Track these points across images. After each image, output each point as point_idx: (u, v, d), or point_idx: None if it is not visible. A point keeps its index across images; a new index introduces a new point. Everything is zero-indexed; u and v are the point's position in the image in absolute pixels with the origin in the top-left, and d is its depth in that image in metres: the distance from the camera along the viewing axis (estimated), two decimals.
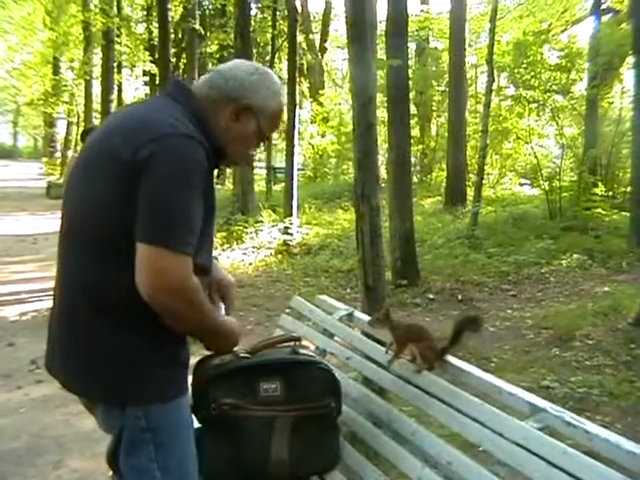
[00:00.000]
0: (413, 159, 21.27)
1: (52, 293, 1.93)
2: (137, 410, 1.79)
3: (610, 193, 12.55)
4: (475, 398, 2.01)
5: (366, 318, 2.86)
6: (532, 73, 13.14)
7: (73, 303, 1.80)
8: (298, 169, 22.68)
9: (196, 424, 2.12)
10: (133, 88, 30.61)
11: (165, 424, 1.83)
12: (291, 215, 11.92)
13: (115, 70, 22.26)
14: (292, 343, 2.33)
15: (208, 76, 1.96)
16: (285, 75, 14.96)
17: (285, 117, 11.78)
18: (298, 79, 23.88)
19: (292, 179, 11.97)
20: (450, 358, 2.30)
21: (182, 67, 25.33)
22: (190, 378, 2.11)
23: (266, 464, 2.13)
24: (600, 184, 12.34)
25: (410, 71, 22.26)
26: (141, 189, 1.66)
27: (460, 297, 7.76)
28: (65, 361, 1.84)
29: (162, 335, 1.80)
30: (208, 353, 2.13)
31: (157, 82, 17.94)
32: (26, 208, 17.92)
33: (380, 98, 16.74)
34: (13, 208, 17.83)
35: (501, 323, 6.66)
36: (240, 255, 11.06)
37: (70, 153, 25.27)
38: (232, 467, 2.14)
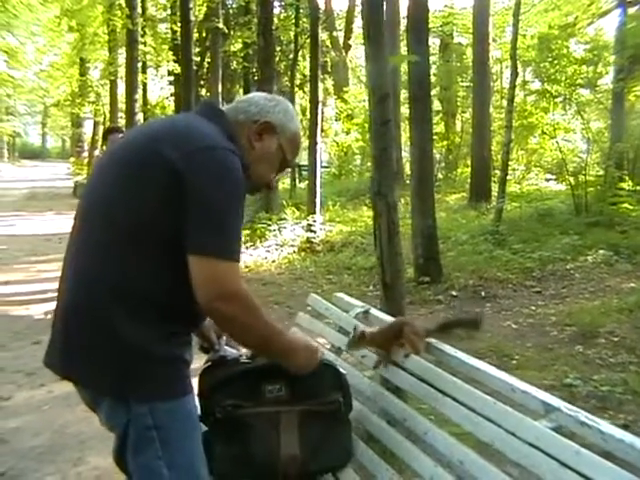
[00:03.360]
0: (438, 155, 21.25)
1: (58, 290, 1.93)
2: (143, 407, 1.79)
3: (637, 188, 12.33)
4: (488, 397, 1.98)
5: (383, 315, 2.85)
6: (557, 67, 12.99)
7: (91, 296, 1.79)
8: (323, 166, 22.78)
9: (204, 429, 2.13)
10: (158, 88, 30.79)
11: (171, 421, 1.84)
12: (314, 212, 11.91)
13: (140, 70, 22.42)
14: None
15: (234, 104, 2.08)
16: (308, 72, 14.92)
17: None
18: (322, 76, 23.96)
19: (315, 176, 11.96)
20: (465, 356, 2.25)
21: (206, 66, 25.47)
22: (196, 387, 2.12)
23: (277, 461, 2.12)
24: (627, 179, 12.14)
25: (434, 67, 22.31)
26: (191, 199, 1.72)
27: (483, 294, 7.68)
28: (73, 353, 1.83)
29: (173, 333, 1.83)
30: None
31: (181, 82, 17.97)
32: (53, 208, 18.14)
33: (404, 94, 16.74)
34: (40, 208, 18.07)
35: (524, 320, 6.58)
36: (263, 253, 11.09)
37: (97, 153, 25.49)
38: (242, 466, 2.14)
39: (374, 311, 2.89)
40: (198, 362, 2.17)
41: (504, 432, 1.84)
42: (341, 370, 2.27)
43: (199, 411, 2.09)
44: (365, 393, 2.48)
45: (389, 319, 2.73)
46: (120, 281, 1.78)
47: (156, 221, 1.75)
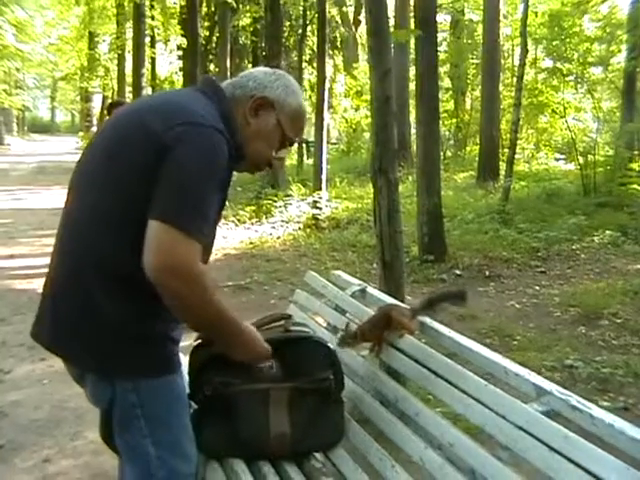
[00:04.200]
0: (447, 133, 21.13)
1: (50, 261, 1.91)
2: (127, 384, 1.79)
3: None
4: (479, 379, 1.95)
5: (379, 294, 2.82)
6: (569, 45, 12.85)
7: (79, 273, 1.77)
8: (332, 143, 22.70)
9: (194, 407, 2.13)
10: (167, 62, 30.61)
11: (156, 399, 1.83)
12: (320, 189, 11.85)
13: (148, 44, 22.30)
14: (282, 321, 2.30)
15: (233, 79, 2.03)
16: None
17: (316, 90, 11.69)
18: (332, 52, 23.77)
19: (321, 153, 11.89)
20: (459, 336, 2.22)
21: (215, 41, 25.29)
22: (186, 365, 2.11)
23: (267, 439, 2.12)
24: (637, 159, 12.03)
25: (444, 44, 22.11)
26: (165, 167, 1.67)
27: (488, 273, 7.63)
28: (61, 329, 1.82)
29: (159, 312, 1.79)
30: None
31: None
32: (61, 182, 18.08)
33: (413, 71, 16.60)
34: (48, 182, 18.06)
35: (528, 300, 6.54)
36: (268, 229, 11.06)
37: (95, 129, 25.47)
38: (231, 444, 2.13)
39: (371, 289, 2.87)
40: (190, 339, 2.15)
41: (495, 415, 1.82)
42: (332, 348, 2.25)
43: (188, 389, 2.08)
44: (359, 372, 2.46)
45: (386, 298, 2.71)
46: (104, 257, 1.75)
47: (140, 197, 1.69)
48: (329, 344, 2.26)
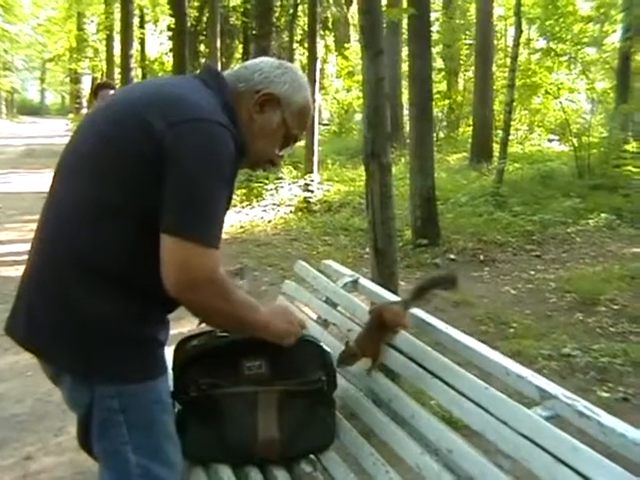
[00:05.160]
0: (440, 114, 20.97)
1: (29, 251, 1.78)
2: (108, 389, 1.67)
3: None
4: (479, 381, 1.83)
5: (372, 285, 2.69)
6: (563, 25, 12.69)
7: (58, 266, 1.66)
8: (324, 124, 22.54)
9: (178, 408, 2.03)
10: (157, 43, 30.31)
11: (139, 405, 1.71)
12: (312, 172, 11.71)
13: (137, 25, 22.01)
14: None
15: (235, 69, 1.90)
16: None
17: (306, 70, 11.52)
18: (323, 33, 23.54)
19: (313, 134, 11.72)
20: (457, 333, 2.10)
21: (205, 21, 24.98)
22: (170, 360, 2.01)
23: (254, 443, 2.01)
24: (631, 141, 11.92)
25: (437, 24, 21.88)
26: (169, 173, 1.56)
27: (482, 257, 7.53)
28: (37, 325, 1.70)
29: (146, 312, 1.70)
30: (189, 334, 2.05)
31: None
32: (50, 165, 17.72)
33: (406, 52, 16.42)
34: (37, 165, 17.82)
35: (523, 285, 6.44)
36: (260, 212, 10.95)
37: (84, 111, 25.20)
38: (217, 449, 2.03)
39: (363, 281, 2.73)
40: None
41: (495, 420, 1.70)
42: (325, 348, 2.13)
43: (172, 388, 1.96)
44: (351, 369, 2.33)
45: (378, 289, 2.59)
46: (88, 255, 1.64)
47: (133, 194, 1.60)
48: (321, 343, 2.14)
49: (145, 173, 1.58)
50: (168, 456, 1.79)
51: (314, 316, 2.76)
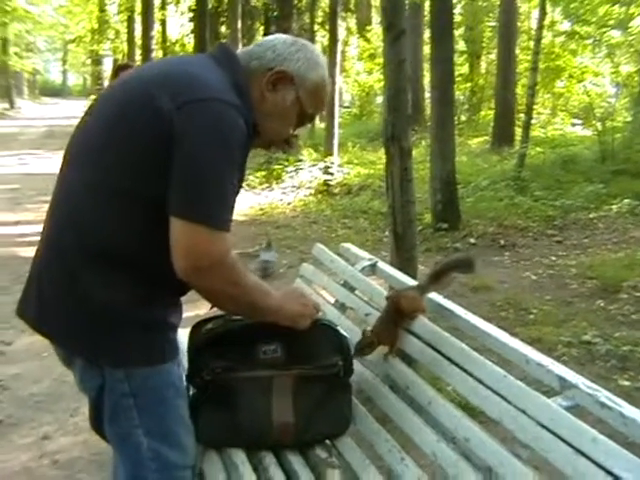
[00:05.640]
0: (462, 97, 20.77)
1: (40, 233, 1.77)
2: (118, 372, 1.66)
3: None
4: (498, 368, 1.79)
5: (390, 269, 2.66)
6: (588, 7, 12.47)
7: (66, 250, 1.64)
8: (345, 107, 22.42)
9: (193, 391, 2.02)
10: (179, 24, 30.21)
11: (149, 389, 1.70)
12: (332, 154, 11.65)
13: (158, 6, 21.94)
14: None
15: (249, 47, 1.82)
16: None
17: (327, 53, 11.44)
18: (345, 14, 23.34)
19: (333, 117, 11.65)
20: (477, 319, 2.06)
21: (226, 2, 24.86)
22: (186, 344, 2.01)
23: (269, 428, 1.99)
24: None
25: (459, 6, 21.62)
26: (179, 155, 1.53)
27: (502, 242, 7.44)
28: (47, 309, 1.69)
29: (155, 296, 1.68)
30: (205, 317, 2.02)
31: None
32: None
33: (427, 34, 16.26)
34: (58, 146, 17.81)
35: (544, 271, 6.35)
36: (279, 195, 10.92)
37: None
38: (231, 433, 2.01)
39: (381, 264, 2.70)
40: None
41: (514, 409, 1.67)
42: (342, 332, 2.10)
43: (186, 370, 1.98)
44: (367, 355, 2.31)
45: (396, 273, 2.55)
46: (96, 239, 1.62)
47: (142, 177, 1.57)
48: (338, 328, 2.11)
49: (154, 155, 1.55)
50: (180, 440, 1.79)
51: (332, 300, 2.73)
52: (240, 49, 1.84)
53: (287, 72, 1.74)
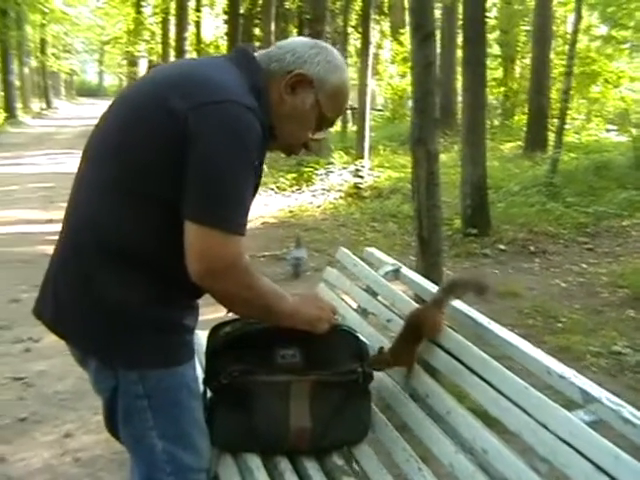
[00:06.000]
0: (495, 102, 20.58)
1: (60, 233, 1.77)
2: (132, 374, 1.66)
3: None
4: (519, 379, 1.75)
5: (414, 275, 2.62)
6: (625, 11, 12.28)
7: (83, 251, 1.65)
8: (377, 110, 22.34)
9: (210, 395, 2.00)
10: (213, 26, 30.42)
11: (163, 391, 1.70)
12: (363, 157, 11.61)
13: (193, 8, 22.09)
14: None
15: (268, 50, 1.80)
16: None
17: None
18: (378, 17, 23.29)
19: (364, 119, 11.60)
20: (500, 328, 2.00)
21: (260, 4, 24.94)
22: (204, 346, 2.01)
23: (286, 433, 1.97)
24: None
25: (495, 9, 21.45)
26: (192, 156, 1.51)
27: (532, 249, 7.33)
28: (62, 309, 1.69)
29: (170, 297, 1.67)
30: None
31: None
32: None
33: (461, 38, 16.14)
34: None
35: (574, 279, 6.24)
36: (309, 197, 10.90)
37: None
38: (247, 437, 1.99)
39: (405, 270, 2.65)
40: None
41: (534, 422, 1.63)
42: (361, 338, 2.07)
43: (204, 373, 1.99)
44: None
45: (419, 279, 2.51)
46: (112, 240, 1.62)
47: (158, 178, 1.56)
48: (358, 334, 2.08)
49: (168, 156, 1.54)
50: (195, 442, 1.78)
51: (354, 305, 2.70)
52: (260, 52, 1.81)
53: (306, 75, 1.71)
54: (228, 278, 1.58)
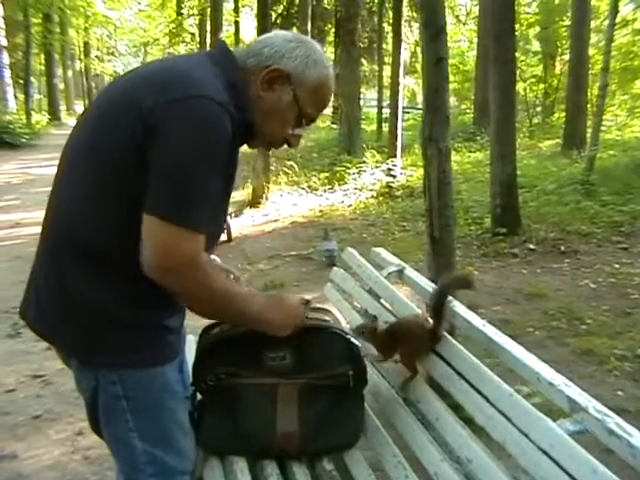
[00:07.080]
0: (535, 99, 20.27)
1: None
2: (111, 374, 1.63)
3: None
4: (505, 386, 1.67)
5: (417, 277, 2.54)
6: None
7: (57, 251, 1.63)
8: (416, 108, 22.14)
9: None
10: (252, 27, 30.60)
11: (143, 392, 1.67)
12: (395, 156, 11.51)
13: (232, 9, 22.16)
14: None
15: (248, 44, 1.76)
16: None
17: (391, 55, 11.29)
18: (415, 15, 23.09)
19: (397, 118, 11.54)
20: (493, 331, 1.92)
21: (297, 4, 24.94)
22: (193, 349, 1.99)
23: (272, 437, 1.93)
24: None
25: (534, 4, 21.11)
26: (156, 151, 1.48)
27: (563, 249, 7.13)
28: (43, 310, 1.68)
29: (144, 296, 1.62)
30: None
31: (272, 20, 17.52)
32: None
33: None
34: None
35: (604, 279, 6.05)
36: (340, 197, 10.85)
37: None
38: (234, 440, 1.95)
39: (409, 271, 2.58)
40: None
41: (517, 431, 1.55)
42: (353, 340, 2.01)
43: (191, 375, 1.94)
44: (385, 366, 2.21)
45: (422, 281, 2.43)
46: (82, 239, 1.59)
47: (126, 174, 1.53)
48: (349, 336, 2.01)
49: (135, 152, 1.50)
50: (178, 444, 1.75)
51: (359, 306, 2.65)
52: (239, 46, 1.77)
53: (283, 70, 1.66)
54: (184, 275, 1.53)
